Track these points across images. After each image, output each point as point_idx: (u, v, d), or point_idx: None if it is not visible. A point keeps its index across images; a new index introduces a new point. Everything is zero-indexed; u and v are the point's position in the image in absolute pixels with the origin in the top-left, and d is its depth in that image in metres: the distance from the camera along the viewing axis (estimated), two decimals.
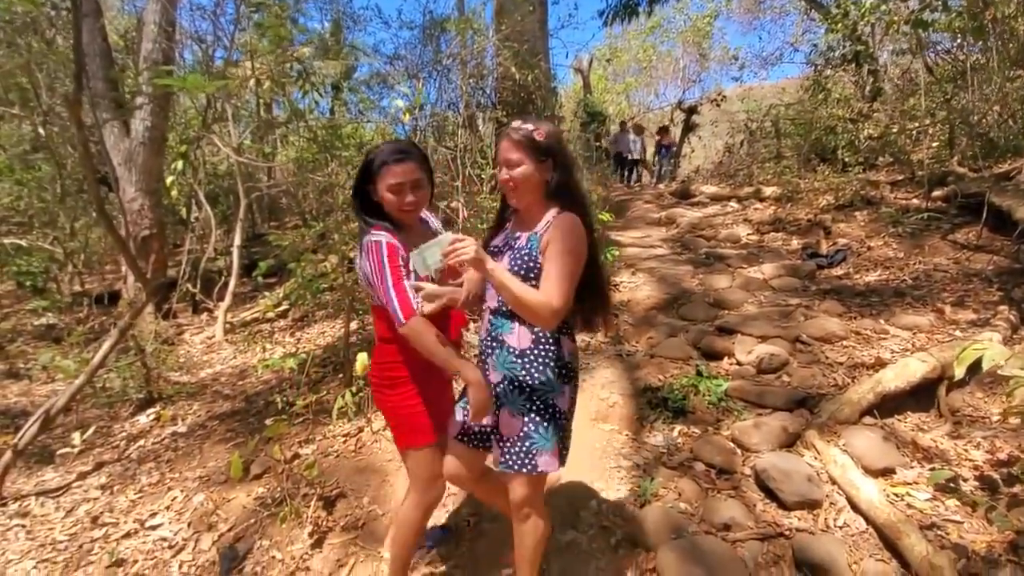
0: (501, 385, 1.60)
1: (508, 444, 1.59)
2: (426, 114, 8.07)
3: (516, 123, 1.54)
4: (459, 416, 1.72)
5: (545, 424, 1.56)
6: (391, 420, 1.81)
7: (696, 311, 4.22)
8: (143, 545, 2.51)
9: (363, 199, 1.69)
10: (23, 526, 2.76)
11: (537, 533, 1.71)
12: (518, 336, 1.57)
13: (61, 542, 2.61)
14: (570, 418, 1.67)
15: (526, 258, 1.54)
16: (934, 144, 6.92)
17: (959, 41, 6.56)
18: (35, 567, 2.45)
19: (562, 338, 1.62)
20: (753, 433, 2.61)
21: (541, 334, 1.58)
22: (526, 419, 1.56)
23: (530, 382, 1.57)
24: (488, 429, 1.68)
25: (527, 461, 1.56)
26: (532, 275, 1.53)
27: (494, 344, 1.62)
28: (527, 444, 1.56)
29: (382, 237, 1.60)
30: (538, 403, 1.56)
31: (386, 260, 1.58)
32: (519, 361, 1.57)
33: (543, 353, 1.57)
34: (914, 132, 7.19)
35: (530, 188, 1.55)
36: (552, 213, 1.57)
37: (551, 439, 1.58)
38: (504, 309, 1.59)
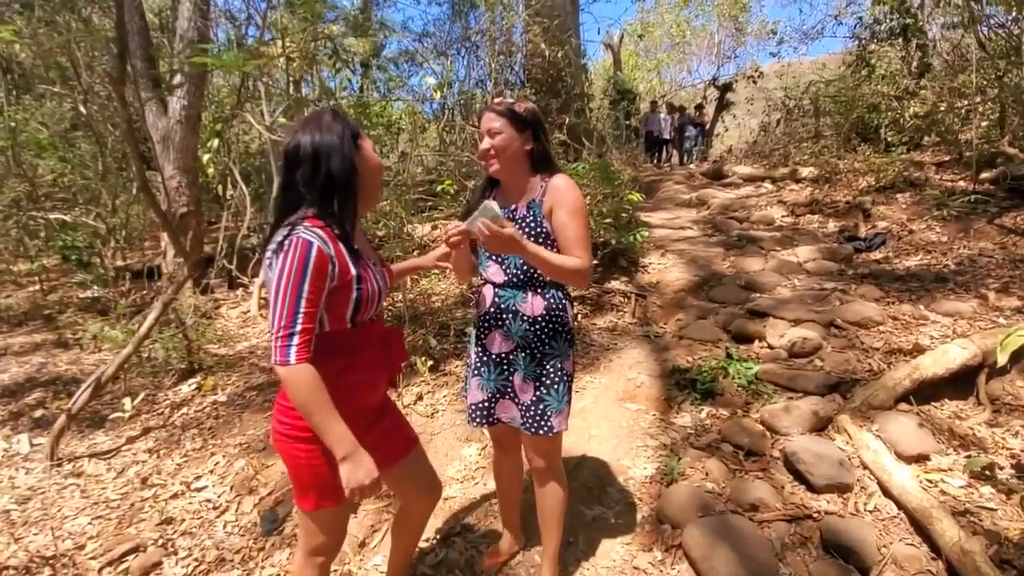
0: (514, 353, 1.66)
1: (523, 409, 1.65)
2: (454, 92, 8.05)
3: (497, 100, 1.61)
4: (477, 396, 1.73)
5: (557, 387, 1.63)
6: (299, 476, 1.35)
7: (727, 294, 4.17)
8: (190, 505, 2.65)
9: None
10: (78, 485, 2.93)
11: (559, 493, 1.79)
12: (532, 305, 1.61)
13: (114, 500, 2.77)
14: (573, 380, 1.74)
15: (532, 225, 1.57)
16: (984, 123, 6.60)
17: (1014, 14, 6.18)
18: (90, 523, 2.61)
19: (567, 304, 1.67)
20: (783, 416, 2.59)
21: (553, 302, 1.63)
22: (538, 384, 1.63)
23: (543, 348, 1.63)
24: (491, 403, 1.72)
25: (543, 423, 1.63)
26: (540, 240, 1.56)
27: (505, 316, 1.65)
28: (542, 407, 1.63)
29: (315, 239, 1.20)
30: (549, 368, 1.63)
31: (310, 272, 1.19)
32: (532, 329, 1.62)
33: (554, 319, 1.63)
34: (963, 110, 6.86)
35: (510, 156, 1.56)
36: (540, 179, 1.60)
37: (563, 400, 1.65)
38: (515, 281, 1.62)
